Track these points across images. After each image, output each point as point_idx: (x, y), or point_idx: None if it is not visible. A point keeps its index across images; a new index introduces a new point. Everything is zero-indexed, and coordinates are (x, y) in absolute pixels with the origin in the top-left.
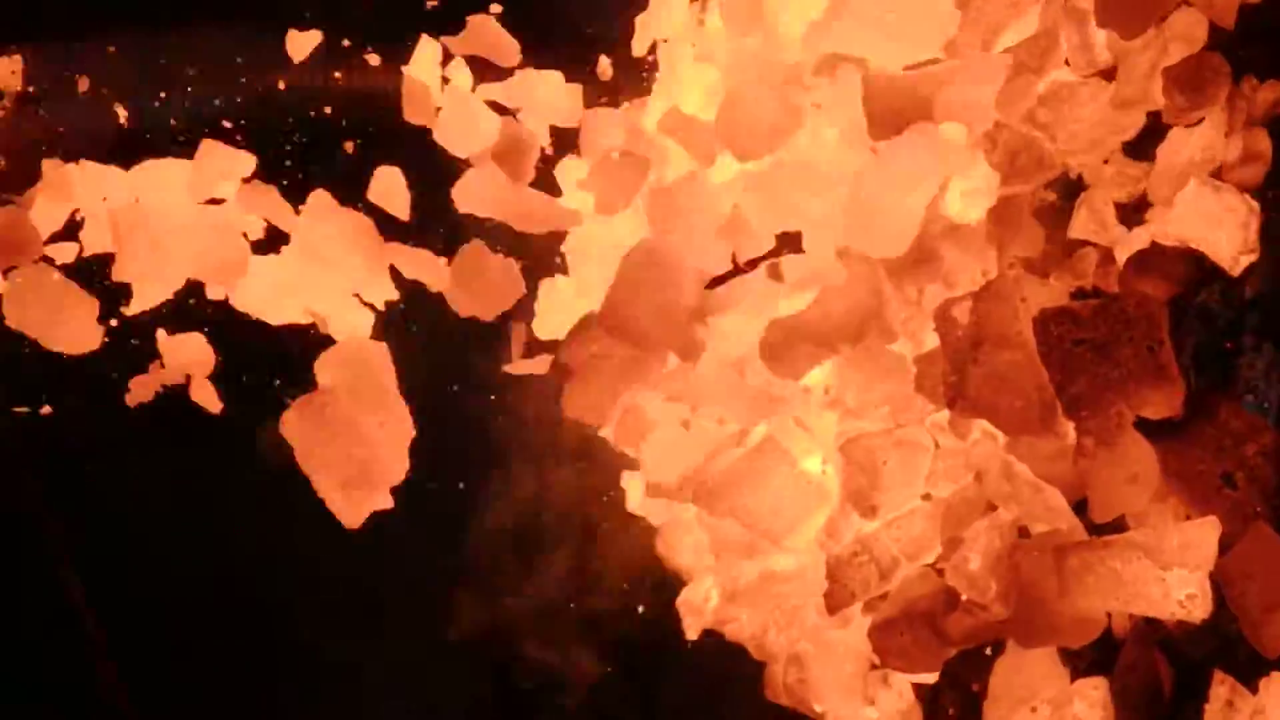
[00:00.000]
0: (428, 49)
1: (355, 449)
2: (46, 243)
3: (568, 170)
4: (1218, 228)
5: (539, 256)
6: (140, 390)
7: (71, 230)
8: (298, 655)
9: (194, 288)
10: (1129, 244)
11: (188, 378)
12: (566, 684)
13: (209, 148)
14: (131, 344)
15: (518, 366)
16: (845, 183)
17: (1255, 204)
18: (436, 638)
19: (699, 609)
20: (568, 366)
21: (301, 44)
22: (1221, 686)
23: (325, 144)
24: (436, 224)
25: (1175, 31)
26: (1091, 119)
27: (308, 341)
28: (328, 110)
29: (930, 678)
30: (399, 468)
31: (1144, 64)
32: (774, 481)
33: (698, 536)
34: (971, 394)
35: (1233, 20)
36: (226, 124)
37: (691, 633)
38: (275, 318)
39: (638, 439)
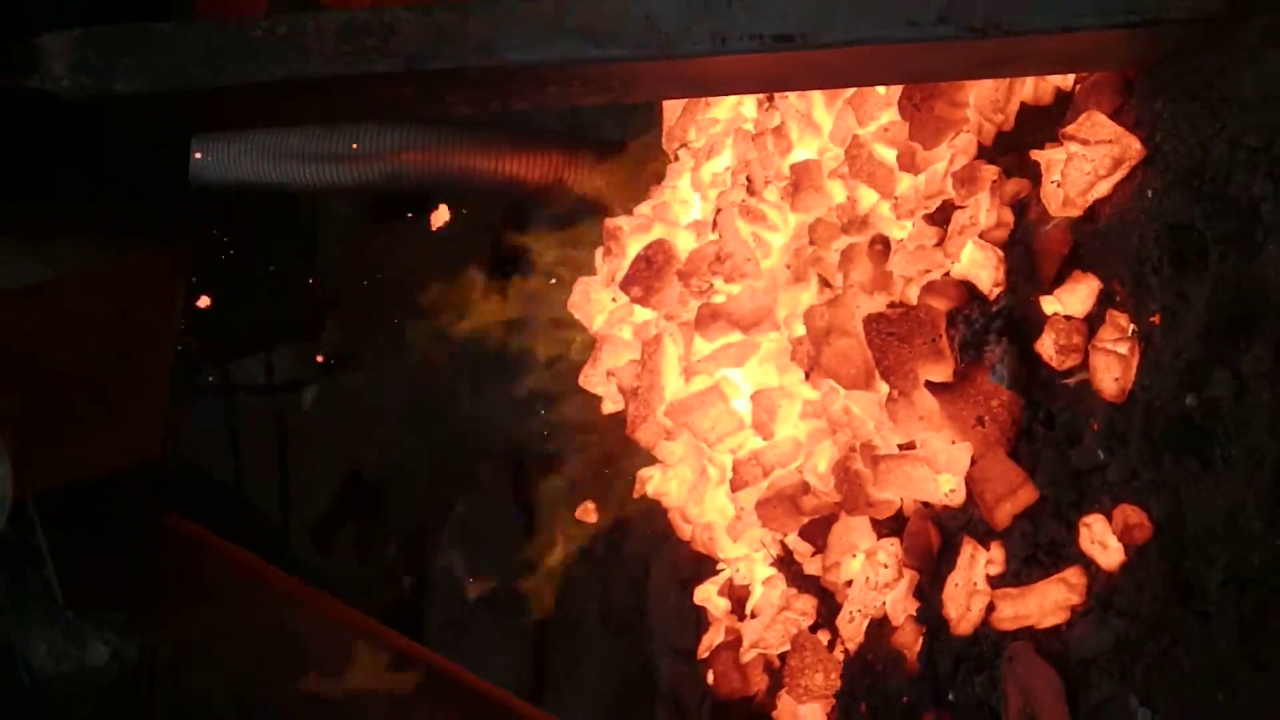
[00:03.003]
0: None
1: None
2: None
3: None
4: (982, 269)
5: None
6: None
7: None
8: None
9: None
10: (926, 276)
11: None
12: None
13: None
14: None
15: None
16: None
17: (1002, 254)
18: None
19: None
20: None
21: None
22: (968, 546)
23: None
24: None
25: (959, 147)
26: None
27: None
28: None
29: (793, 536)
30: None
31: (940, 169)
32: (714, 411)
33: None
34: (824, 363)
35: (991, 141)
36: None
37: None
38: None
39: None
